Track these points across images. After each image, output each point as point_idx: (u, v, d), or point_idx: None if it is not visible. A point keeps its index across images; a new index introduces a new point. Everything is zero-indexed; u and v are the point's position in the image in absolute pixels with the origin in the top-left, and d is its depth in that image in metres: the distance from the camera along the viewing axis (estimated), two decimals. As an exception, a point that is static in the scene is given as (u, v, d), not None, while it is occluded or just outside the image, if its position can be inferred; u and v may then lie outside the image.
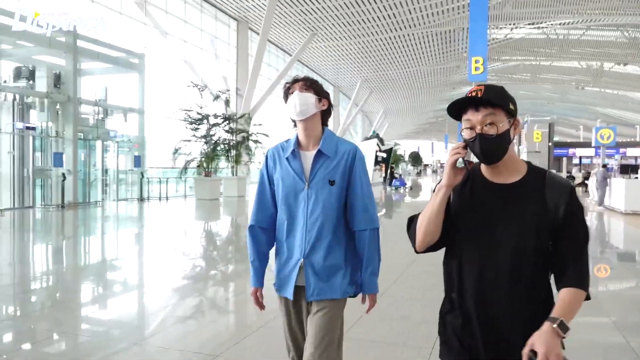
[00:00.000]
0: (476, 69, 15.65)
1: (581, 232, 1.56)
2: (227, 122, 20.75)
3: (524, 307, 1.54)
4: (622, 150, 37.98)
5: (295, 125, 2.28)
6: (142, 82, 19.67)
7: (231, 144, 20.86)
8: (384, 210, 17.74)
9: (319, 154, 2.20)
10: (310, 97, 2.20)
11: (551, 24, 27.32)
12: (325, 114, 2.29)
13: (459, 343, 1.63)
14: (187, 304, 5.38)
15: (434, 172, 76.26)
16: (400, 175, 36.59)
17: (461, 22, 24.58)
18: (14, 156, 15.14)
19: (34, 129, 15.69)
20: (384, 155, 37.65)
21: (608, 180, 17.29)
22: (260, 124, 22.04)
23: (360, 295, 2.28)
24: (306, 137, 2.24)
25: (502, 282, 1.54)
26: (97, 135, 17.95)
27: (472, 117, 1.54)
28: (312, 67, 36.60)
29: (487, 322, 1.57)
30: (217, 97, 20.72)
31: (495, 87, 1.58)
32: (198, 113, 19.77)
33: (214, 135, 20.36)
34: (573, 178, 29.65)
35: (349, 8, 23.14)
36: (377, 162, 35.08)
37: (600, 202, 17.29)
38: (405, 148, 72.30)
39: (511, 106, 1.56)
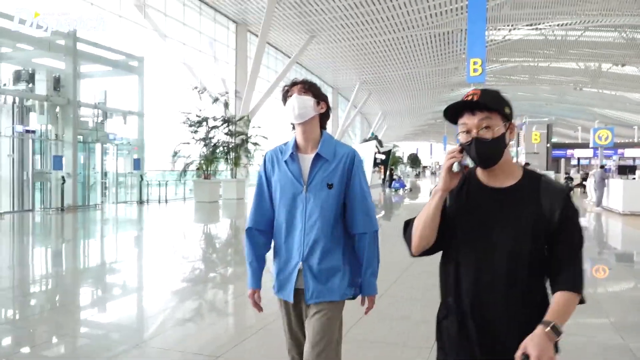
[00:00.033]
0: (474, 70, 15.74)
1: (576, 237, 1.57)
2: (226, 124, 20.78)
3: (520, 311, 1.55)
4: (620, 151, 38.11)
5: (293, 128, 2.28)
6: (141, 84, 19.69)
7: (230, 146, 20.88)
8: (383, 212, 17.76)
9: (318, 157, 2.20)
10: (309, 100, 2.21)
11: (549, 25, 27.41)
12: (323, 117, 2.29)
13: (455, 349, 1.64)
14: (187, 307, 5.39)
15: (433, 173, 76.28)
16: (399, 177, 36.63)
17: (459, 23, 24.64)
18: (13, 159, 15.16)
19: (33, 132, 15.70)
20: (383, 157, 37.70)
21: (606, 181, 17.34)
22: (259, 127, 22.07)
23: (359, 297, 2.30)
24: (304, 140, 2.24)
25: (498, 285, 1.55)
26: (97, 138, 17.97)
27: (468, 120, 1.55)
28: (311, 69, 36.64)
29: (484, 325, 1.58)
30: (216, 100, 20.74)
31: (491, 91, 1.58)
32: (197, 116, 19.80)
33: (213, 137, 20.38)
34: (571, 179, 29.69)
35: (347, 10, 23.20)
36: (375, 164, 35.13)
37: (598, 203, 17.34)
38: (404, 150, 72.31)
39: (507, 110, 1.57)
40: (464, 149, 1.57)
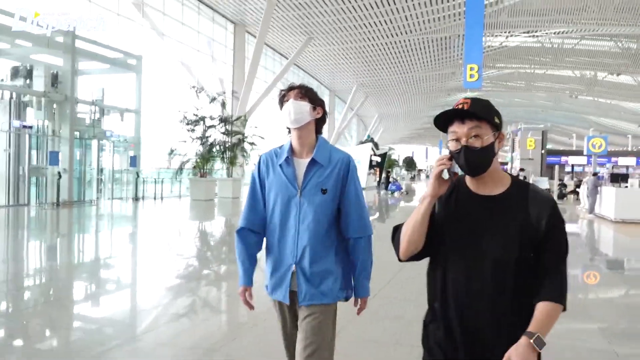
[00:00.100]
0: (471, 76, 15.83)
1: (563, 245, 1.59)
2: (223, 124, 20.84)
3: (508, 318, 1.56)
4: (613, 159, 38.37)
5: (289, 132, 2.29)
6: (139, 83, 19.72)
7: (227, 145, 20.94)
8: (377, 214, 17.85)
9: (313, 162, 2.21)
10: (305, 106, 2.21)
11: (546, 33, 27.62)
12: (319, 122, 2.30)
13: (442, 352, 1.65)
14: (181, 303, 5.44)
15: (428, 177, 76.27)
16: (395, 180, 36.81)
17: (457, 29, 24.79)
18: (10, 154, 15.17)
19: (30, 127, 15.71)
20: (378, 159, 37.84)
21: (599, 188, 17.48)
22: (256, 127, 22.14)
23: (352, 298, 2.33)
24: (300, 144, 2.25)
25: (486, 292, 1.56)
26: (93, 135, 17.99)
27: (458, 129, 1.57)
28: (308, 70, 36.70)
29: (472, 332, 1.59)
30: (213, 99, 20.81)
31: (481, 100, 1.60)
32: (195, 114, 19.86)
33: (209, 136, 20.45)
34: (565, 186, 29.87)
35: (345, 13, 23.30)
36: (371, 166, 35.26)
37: (591, 210, 17.48)
38: (399, 153, 72.51)
39: (496, 120, 1.58)
40: (453, 156, 1.58)
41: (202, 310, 5.29)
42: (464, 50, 17.24)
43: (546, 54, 31.88)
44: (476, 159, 1.56)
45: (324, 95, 42.40)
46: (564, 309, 1.56)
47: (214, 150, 20.67)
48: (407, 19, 23.98)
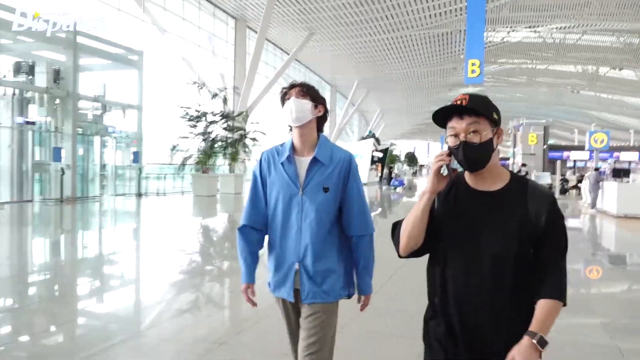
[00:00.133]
0: (472, 71, 15.82)
1: (562, 241, 1.59)
2: (225, 119, 20.86)
3: (507, 314, 1.56)
4: (615, 154, 38.26)
5: (290, 130, 2.29)
6: (140, 78, 19.75)
7: (229, 141, 20.97)
8: (379, 210, 17.89)
9: (314, 161, 2.22)
10: (307, 104, 2.22)
11: (548, 28, 27.54)
12: (321, 120, 2.31)
13: (442, 349, 1.65)
14: (185, 298, 5.47)
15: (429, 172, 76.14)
16: (397, 175, 36.87)
17: (459, 24, 24.74)
18: (13, 150, 15.22)
19: (33, 123, 15.76)
20: (380, 155, 37.87)
21: (600, 183, 17.49)
22: (257, 122, 22.15)
23: (355, 295, 2.35)
24: (302, 143, 2.26)
25: (485, 288, 1.56)
26: (96, 131, 18.05)
27: (457, 124, 1.57)
28: (310, 66, 36.64)
29: (471, 328, 1.59)
30: (215, 95, 20.82)
31: (479, 96, 1.61)
32: (196, 110, 19.88)
33: (211, 132, 20.47)
34: (567, 181, 29.84)
35: (347, 8, 23.25)
36: (373, 162, 35.28)
37: (593, 205, 17.49)
38: (401, 148, 72.45)
39: (495, 115, 1.59)
40: (452, 152, 1.59)
41: (205, 306, 5.32)
42: (466, 46, 17.22)
43: (548, 49, 31.81)
44: (475, 155, 1.56)
45: (325, 90, 42.36)
46: (564, 304, 1.57)
47: (216, 146, 20.69)
48: (408, 14, 23.94)
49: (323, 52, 31.25)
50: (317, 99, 2.27)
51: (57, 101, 16.24)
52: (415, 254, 1.70)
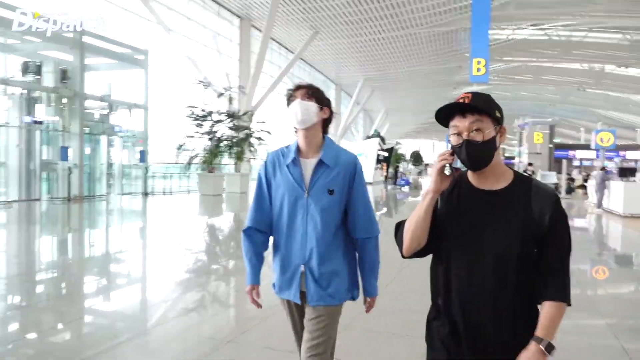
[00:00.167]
0: (478, 70, 15.82)
1: (566, 240, 1.58)
2: (230, 119, 20.91)
3: (510, 314, 1.56)
4: (622, 153, 38.11)
5: (296, 132, 2.29)
6: (146, 78, 19.83)
7: (234, 140, 21.02)
8: (385, 209, 17.90)
9: (320, 163, 2.22)
10: (312, 106, 2.22)
11: (553, 26, 27.41)
12: (326, 122, 2.31)
13: (445, 349, 1.65)
14: (190, 297, 5.51)
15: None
16: (402, 174, 36.86)
17: (463, 22, 24.68)
18: (21, 149, 15.34)
19: (41, 123, 15.87)
20: (385, 154, 37.79)
21: (607, 182, 17.41)
22: (262, 122, 22.19)
23: (360, 297, 2.37)
24: (307, 145, 2.25)
25: (488, 287, 1.56)
26: (102, 130, 18.15)
27: (460, 123, 1.57)
28: (315, 65, 36.61)
29: (474, 327, 1.59)
30: (221, 95, 20.87)
31: (482, 94, 1.60)
32: (202, 110, 19.93)
33: (217, 131, 20.53)
34: (573, 180, 29.73)
35: (351, 7, 23.24)
36: (378, 161, 35.23)
37: (599, 205, 17.42)
38: (406, 147, 72.33)
39: (497, 114, 1.58)
40: (454, 151, 1.59)
41: (211, 305, 5.36)
42: (471, 44, 17.19)
43: (554, 46, 31.65)
44: (478, 153, 1.56)
45: (330, 89, 42.33)
46: (568, 304, 1.57)
47: (222, 145, 20.75)
48: (413, 12, 23.91)
49: (328, 50, 31.24)
50: (322, 101, 2.27)
51: (64, 101, 16.34)
52: (419, 254, 1.70)
